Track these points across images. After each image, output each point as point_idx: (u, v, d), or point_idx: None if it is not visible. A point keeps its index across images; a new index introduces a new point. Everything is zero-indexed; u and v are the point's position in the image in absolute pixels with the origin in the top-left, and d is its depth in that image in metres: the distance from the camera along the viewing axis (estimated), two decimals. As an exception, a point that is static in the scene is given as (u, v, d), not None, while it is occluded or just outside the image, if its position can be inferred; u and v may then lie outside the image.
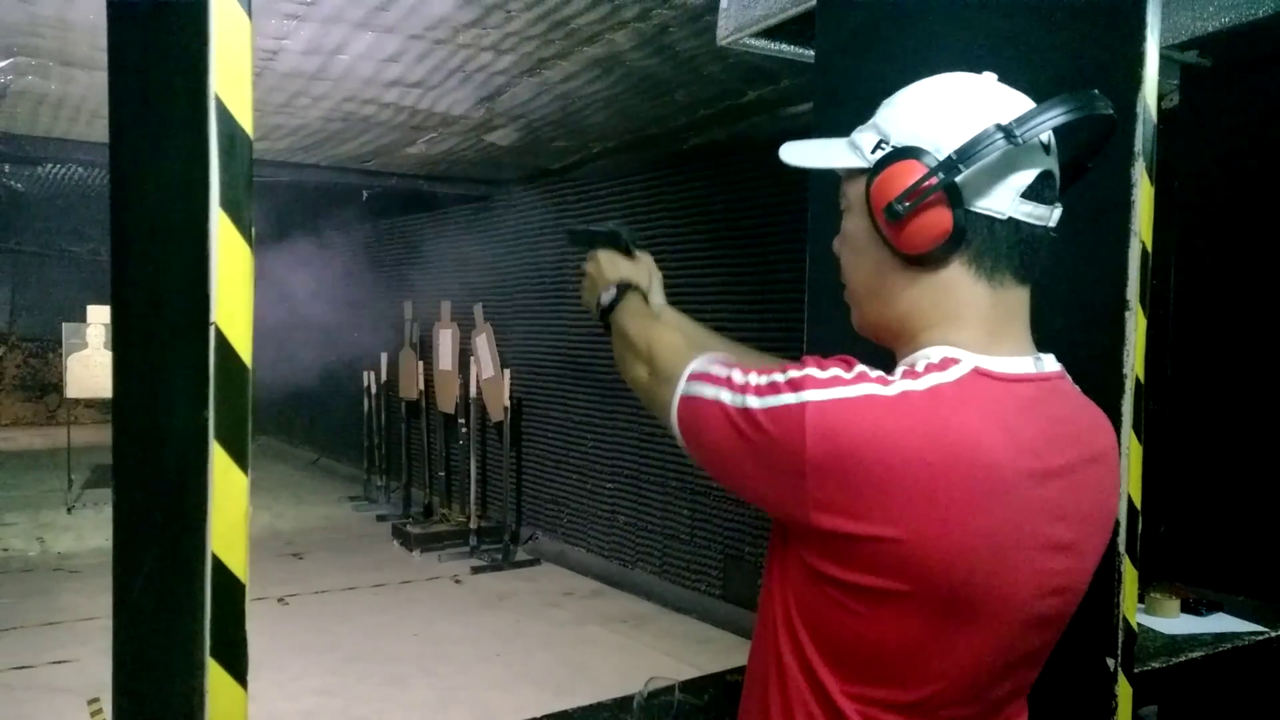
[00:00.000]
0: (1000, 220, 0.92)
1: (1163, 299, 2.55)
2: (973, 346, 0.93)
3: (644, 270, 1.43)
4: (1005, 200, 0.92)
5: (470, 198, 7.48)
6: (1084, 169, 1.06)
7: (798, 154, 1.06)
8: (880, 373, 0.90)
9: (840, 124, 1.05)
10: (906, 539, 0.84)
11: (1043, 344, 1.03)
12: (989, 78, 0.97)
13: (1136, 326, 1.48)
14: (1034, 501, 0.90)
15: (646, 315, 1.28)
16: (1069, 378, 1.02)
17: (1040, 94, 1.02)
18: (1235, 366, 2.54)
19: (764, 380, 0.91)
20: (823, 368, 0.89)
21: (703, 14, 3.31)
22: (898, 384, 0.88)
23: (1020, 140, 0.89)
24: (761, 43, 2.37)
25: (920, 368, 0.91)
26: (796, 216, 4.53)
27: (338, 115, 5.05)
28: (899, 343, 0.99)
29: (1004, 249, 0.93)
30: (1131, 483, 1.50)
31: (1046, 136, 0.94)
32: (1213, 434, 2.57)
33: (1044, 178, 0.93)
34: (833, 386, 0.87)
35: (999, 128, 0.89)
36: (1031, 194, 0.92)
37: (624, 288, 1.36)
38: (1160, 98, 1.55)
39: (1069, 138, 1.01)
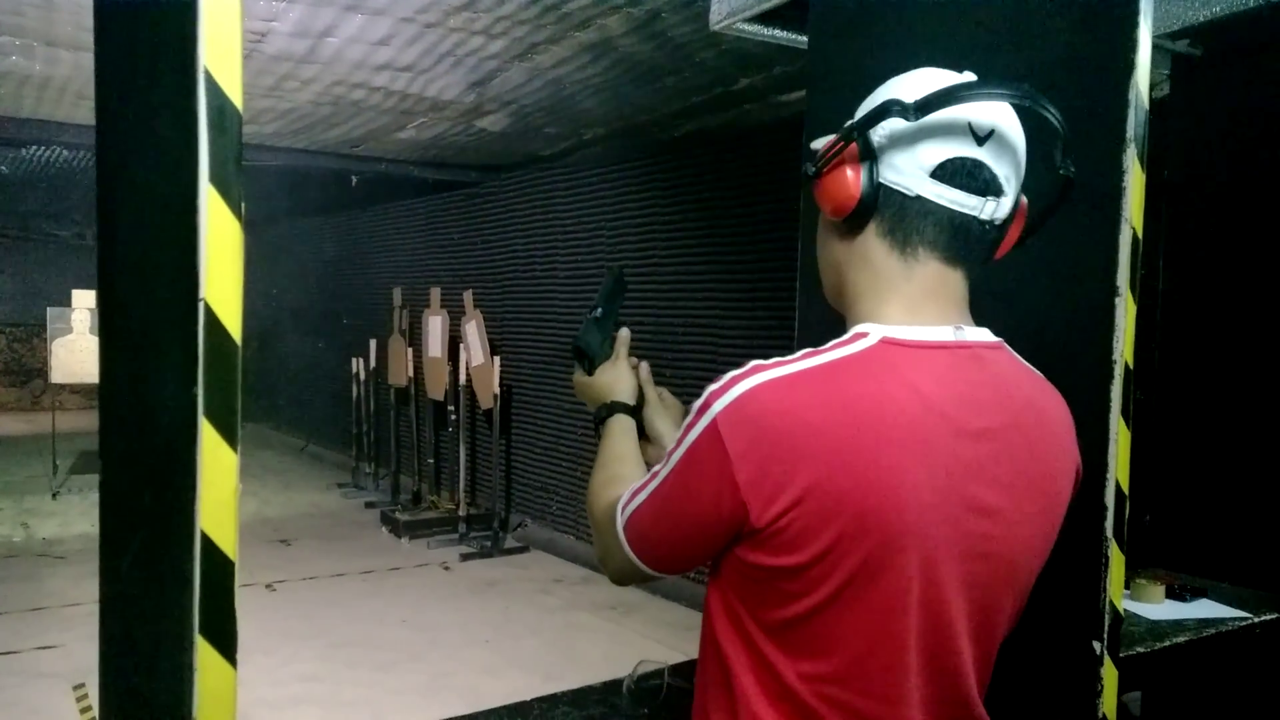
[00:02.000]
0: (909, 196, 0.97)
1: (1151, 289, 2.56)
2: (889, 319, 0.97)
3: (619, 377, 1.35)
4: (913, 177, 0.96)
5: (460, 184, 7.45)
6: (1070, 183, 1.05)
7: (817, 141, 1.11)
8: (780, 358, 0.94)
9: (833, 109, 1.07)
10: (821, 493, 0.87)
11: (1032, 330, 1.04)
12: (967, 76, 0.99)
13: (1126, 313, 1.48)
14: (951, 459, 0.92)
15: (609, 467, 1.22)
16: (1009, 351, 1.04)
17: (1033, 80, 1.03)
18: (1223, 356, 2.55)
19: (681, 432, 0.96)
20: (719, 380, 0.94)
21: (695, -1, 3.30)
22: (796, 364, 0.93)
23: (912, 116, 0.93)
24: (754, 28, 2.36)
25: (827, 345, 0.95)
26: (789, 203, 4.53)
27: (327, 99, 5.02)
28: (844, 311, 1.05)
29: (915, 225, 0.97)
30: (1120, 468, 1.51)
31: (984, 126, 0.95)
32: (1199, 423, 2.58)
33: (961, 163, 0.95)
34: (731, 387, 0.92)
35: (898, 103, 0.94)
36: (943, 176, 0.95)
37: (607, 411, 1.31)
38: (1151, 87, 1.55)
39: (1047, 143, 1.02)
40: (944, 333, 0.97)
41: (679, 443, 0.96)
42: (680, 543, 0.99)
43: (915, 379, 0.93)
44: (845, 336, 0.97)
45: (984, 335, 1.01)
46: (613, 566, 1.09)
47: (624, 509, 1.04)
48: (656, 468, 1.01)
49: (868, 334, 0.95)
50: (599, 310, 1.40)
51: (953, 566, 0.94)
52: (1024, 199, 1.04)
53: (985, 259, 1.02)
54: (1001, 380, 0.99)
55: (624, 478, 1.16)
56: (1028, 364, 1.06)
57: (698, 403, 0.94)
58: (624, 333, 1.41)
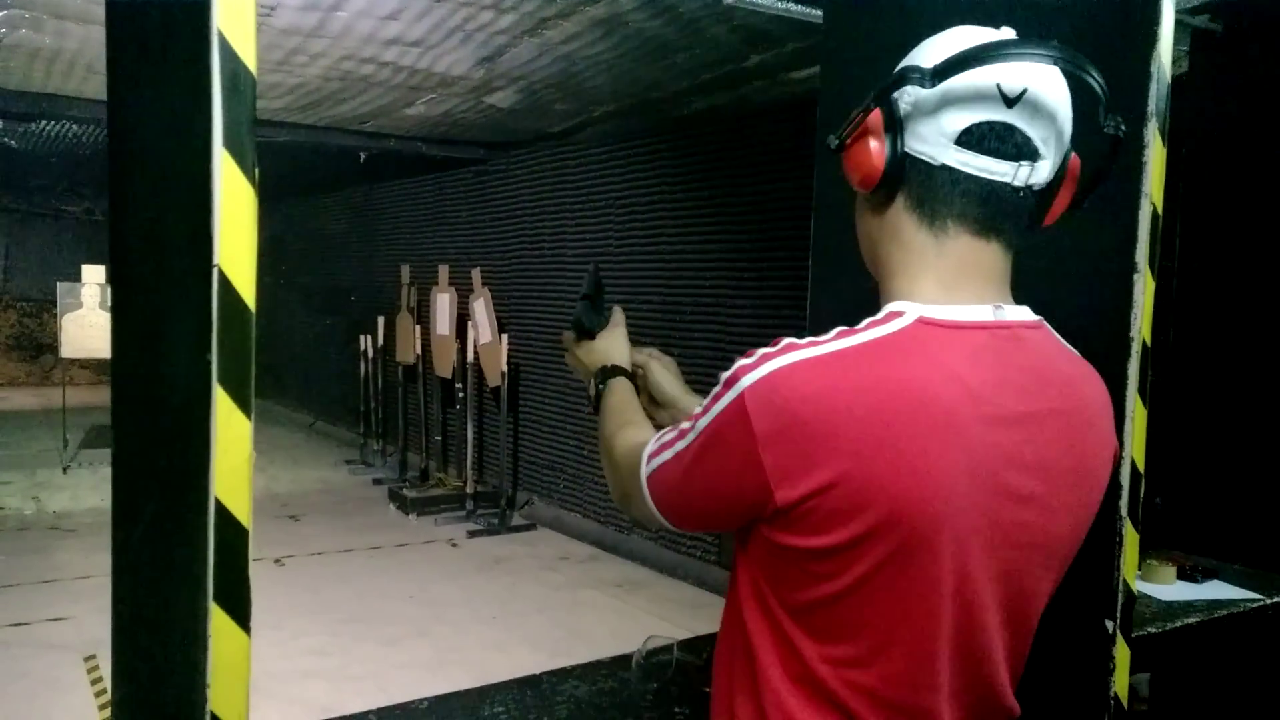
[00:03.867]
0: (935, 166, 0.93)
1: (1166, 267, 2.54)
2: (924, 297, 0.94)
3: (616, 343, 1.42)
4: (937, 145, 0.93)
5: (469, 161, 7.43)
6: (1117, 140, 1.00)
7: None
8: (814, 338, 0.91)
9: (849, 84, 1.05)
10: (853, 481, 0.85)
11: (1049, 305, 1.02)
12: (1005, 31, 0.95)
13: (1145, 289, 1.47)
14: (987, 446, 0.89)
15: (618, 415, 1.26)
16: (1050, 331, 1.01)
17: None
18: (1236, 337, 2.53)
19: (707, 400, 0.94)
20: (750, 355, 0.91)
21: (707, -27, 3.27)
22: (830, 343, 0.90)
23: (929, 84, 0.90)
24: (767, 1, 2.33)
25: (862, 324, 0.92)
26: (799, 182, 4.50)
27: (335, 74, 4.99)
28: (880, 284, 1.02)
29: (942, 197, 0.94)
30: (1135, 447, 1.50)
31: (1015, 88, 0.91)
32: (1212, 404, 2.57)
33: (989, 128, 0.91)
34: (762, 364, 0.89)
35: (916, 69, 0.92)
36: (970, 143, 0.91)
37: (605, 375, 1.36)
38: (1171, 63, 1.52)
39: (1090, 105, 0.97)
40: (982, 312, 0.94)
41: (706, 410, 0.94)
42: (703, 510, 0.98)
43: (952, 362, 0.89)
44: (880, 315, 0.93)
45: (1024, 314, 0.98)
46: (635, 512, 1.09)
47: (649, 460, 1.02)
48: (684, 425, 0.98)
49: (903, 313, 0.92)
50: (590, 291, 1.46)
51: (987, 555, 0.91)
52: (1075, 158, 0.99)
53: (1027, 226, 0.97)
54: (1041, 363, 0.96)
55: (639, 424, 1.19)
56: (1068, 344, 1.03)
57: (726, 374, 0.91)
58: (618, 309, 1.46)
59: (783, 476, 0.87)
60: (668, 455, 1.00)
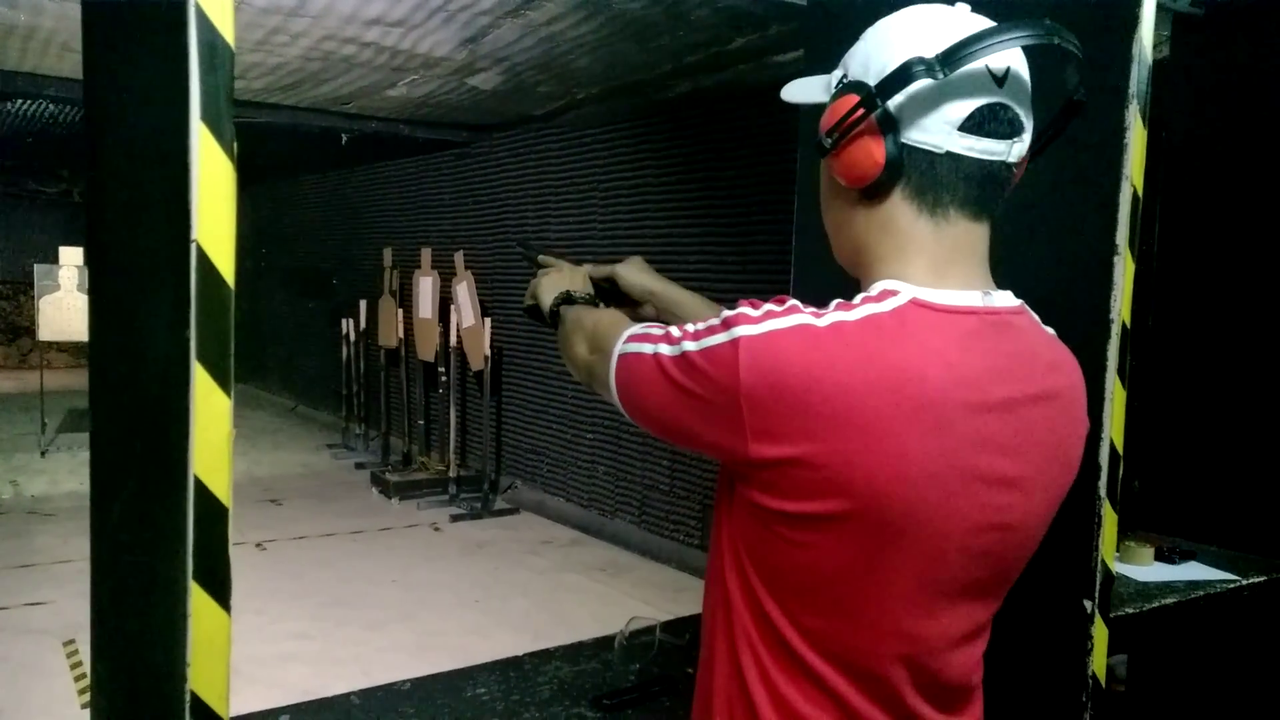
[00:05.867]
0: (938, 154, 0.92)
1: (1146, 251, 2.55)
2: (916, 280, 0.93)
3: (577, 274, 1.46)
4: (941, 134, 0.91)
5: (452, 143, 7.37)
6: (1077, 105, 1.03)
7: (792, 91, 1.07)
8: (815, 308, 0.91)
9: (832, 68, 1.04)
10: (831, 460, 0.85)
11: (1030, 287, 1.03)
12: (961, 8, 0.95)
13: (1125, 272, 1.48)
14: (972, 432, 0.90)
15: (590, 309, 1.28)
16: (1031, 315, 1.02)
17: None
18: (1216, 320, 2.55)
19: (701, 326, 0.93)
20: (756, 307, 0.91)
21: (692, -45, 3.25)
22: (830, 315, 0.89)
23: (941, 74, 0.88)
24: (752, -18, 2.32)
25: (857, 300, 0.92)
26: (783, 165, 4.50)
27: (317, 54, 4.94)
28: (860, 275, 1.01)
29: (946, 184, 0.93)
30: (1114, 428, 1.51)
31: (1001, 68, 0.91)
32: (1189, 386, 2.59)
33: (989, 110, 0.91)
34: (764, 321, 0.89)
35: (921, 60, 0.89)
36: (972, 127, 0.91)
37: (571, 297, 1.35)
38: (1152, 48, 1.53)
39: (1051, 72, 0.99)
40: (973, 298, 0.94)
41: (697, 336, 0.92)
42: (666, 423, 0.98)
43: (942, 346, 0.90)
44: (873, 293, 0.93)
45: (1009, 300, 0.98)
46: (594, 385, 1.10)
47: (628, 340, 1.01)
48: (674, 331, 0.97)
49: (898, 292, 0.92)
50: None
51: (968, 539, 0.92)
52: None
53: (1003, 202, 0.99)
54: (1026, 348, 0.97)
55: (616, 325, 1.15)
56: (1046, 327, 1.04)
57: (727, 313, 0.91)
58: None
59: (761, 433, 0.87)
60: (645, 347, 0.98)
